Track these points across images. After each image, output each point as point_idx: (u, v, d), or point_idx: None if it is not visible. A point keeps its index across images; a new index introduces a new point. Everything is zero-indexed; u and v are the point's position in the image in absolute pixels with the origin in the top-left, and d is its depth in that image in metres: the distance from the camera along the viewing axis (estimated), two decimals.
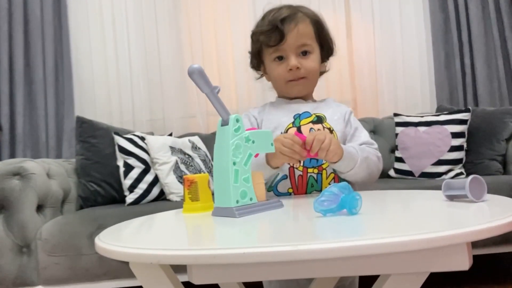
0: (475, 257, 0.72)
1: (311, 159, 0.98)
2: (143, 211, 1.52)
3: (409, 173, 2.11)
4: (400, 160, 2.16)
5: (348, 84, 2.62)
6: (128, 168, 1.94)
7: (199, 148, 2.12)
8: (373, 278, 0.56)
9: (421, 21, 2.64)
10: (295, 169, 1.00)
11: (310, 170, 1.00)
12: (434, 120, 2.12)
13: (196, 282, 0.53)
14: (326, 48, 1.10)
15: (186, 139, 2.12)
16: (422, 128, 2.12)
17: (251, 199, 0.72)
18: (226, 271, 0.52)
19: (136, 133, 2.09)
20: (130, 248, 0.53)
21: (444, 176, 2.01)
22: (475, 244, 0.57)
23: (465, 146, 2.05)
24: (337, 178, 1.00)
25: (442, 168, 2.02)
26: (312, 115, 1.05)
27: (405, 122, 2.20)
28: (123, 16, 2.55)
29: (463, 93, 2.56)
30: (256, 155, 0.75)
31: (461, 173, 2.01)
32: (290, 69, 1.03)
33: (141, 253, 0.51)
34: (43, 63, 2.45)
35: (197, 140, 2.17)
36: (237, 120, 0.74)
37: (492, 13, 2.53)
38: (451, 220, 0.59)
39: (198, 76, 0.73)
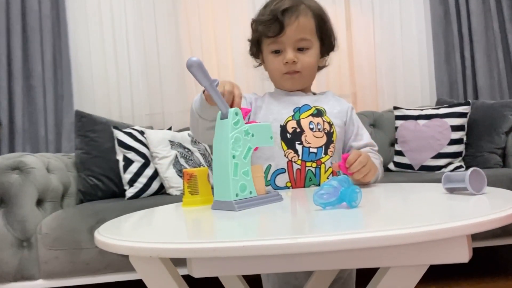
0: (475, 250, 0.72)
1: (309, 153, 0.98)
2: (143, 205, 1.52)
3: (409, 167, 2.11)
4: (399, 153, 2.16)
5: (348, 78, 2.61)
6: (128, 162, 1.94)
7: (198, 142, 2.12)
8: (371, 270, 0.56)
9: (421, 14, 2.62)
10: (293, 163, 0.99)
11: (308, 164, 0.99)
12: (434, 113, 2.11)
13: (196, 275, 0.53)
14: (327, 43, 1.08)
15: (185, 133, 2.12)
16: (421, 122, 2.12)
17: (250, 192, 0.72)
18: (225, 264, 0.53)
19: (136, 127, 2.08)
20: (130, 242, 0.53)
21: (443, 169, 2.01)
22: (475, 237, 0.57)
23: (465, 139, 2.05)
24: (335, 173, 1.00)
25: (441, 161, 2.02)
26: (312, 108, 1.05)
27: (404, 115, 2.20)
28: (122, 9, 2.53)
29: (463, 86, 2.55)
30: (256, 149, 0.75)
31: (460, 166, 2.01)
32: (286, 62, 1.02)
33: (141, 247, 0.51)
34: (42, 57, 2.43)
35: None
36: (236, 114, 0.73)
37: (492, 6, 2.52)
38: (451, 213, 0.59)
39: (197, 69, 0.72)
